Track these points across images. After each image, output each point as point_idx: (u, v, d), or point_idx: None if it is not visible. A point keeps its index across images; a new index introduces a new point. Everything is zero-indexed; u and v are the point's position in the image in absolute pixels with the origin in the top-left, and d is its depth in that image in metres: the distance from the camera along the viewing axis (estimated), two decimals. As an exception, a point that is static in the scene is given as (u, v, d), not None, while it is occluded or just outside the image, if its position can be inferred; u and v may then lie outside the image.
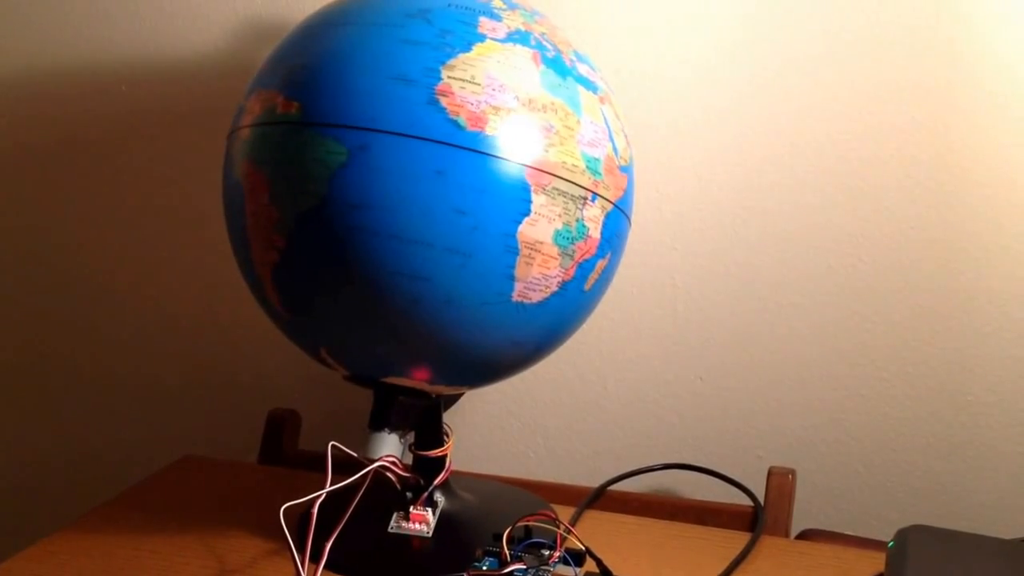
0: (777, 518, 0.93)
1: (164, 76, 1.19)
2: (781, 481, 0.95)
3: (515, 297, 0.74)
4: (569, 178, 0.74)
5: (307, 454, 1.08)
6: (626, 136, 0.82)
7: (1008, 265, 0.98)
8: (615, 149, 0.78)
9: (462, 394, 0.91)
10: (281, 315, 0.79)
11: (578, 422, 1.12)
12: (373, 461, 0.79)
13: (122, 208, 1.24)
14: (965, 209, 0.98)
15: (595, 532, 0.88)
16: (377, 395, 0.83)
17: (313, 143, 0.71)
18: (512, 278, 0.73)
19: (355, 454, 0.79)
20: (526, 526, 0.79)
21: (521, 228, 0.72)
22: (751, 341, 1.06)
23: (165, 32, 1.18)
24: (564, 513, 0.91)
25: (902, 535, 0.78)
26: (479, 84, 0.71)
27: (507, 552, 0.76)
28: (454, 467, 0.89)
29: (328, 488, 0.74)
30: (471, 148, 0.70)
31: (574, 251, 0.75)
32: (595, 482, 1.01)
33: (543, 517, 0.79)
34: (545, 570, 0.75)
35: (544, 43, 0.76)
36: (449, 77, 0.70)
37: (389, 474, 0.81)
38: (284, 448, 1.09)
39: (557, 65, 0.75)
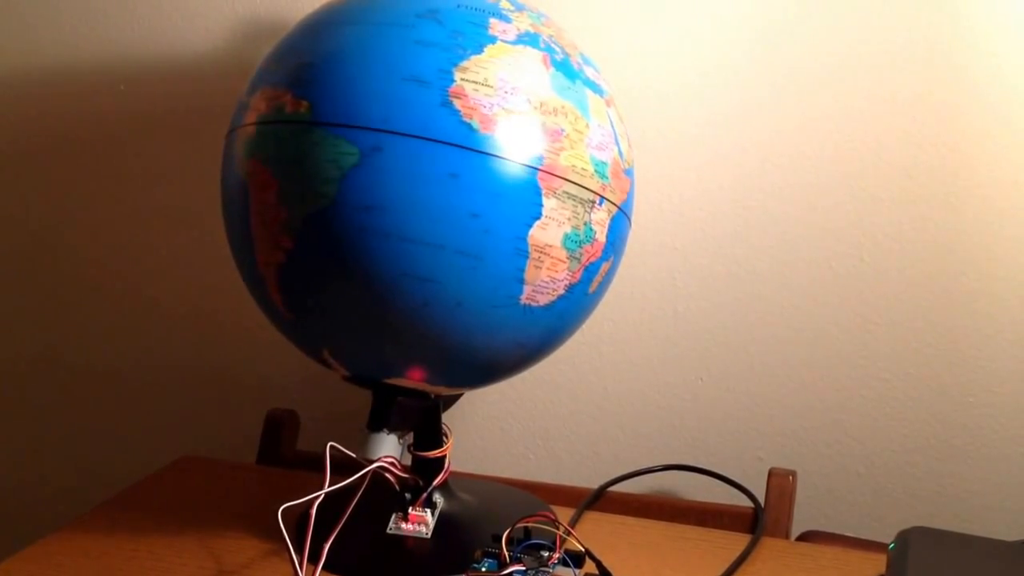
0: (778, 519, 0.93)
1: (163, 75, 1.19)
2: (782, 482, 0.95)
3: (523, 300, 0.74)
4: (579, 182, 0.74)
5: (305, 455, 1.08)
6: (628, 139, 0.82)
7: (1009, 267, 0.98)
8: (620, 153, 0.79)
9: (461, 395, 0.91)
10: (283, 315, 0.78)
11: (578, 423, 1.12)
12: (372, 462, 0.79)
13: (120, 207, 1.24)
14: (966, 211, 0.98)
15: (595, 533, 0.88)
16: (376, 396, 0.82)
17: (324, 143, 0.70)
18: (521, 281, 0.73)
19: (354, 455, 0.79)
20: (525, 527, 0.79)
21: (532, 231, 0.72)
22: (752, 342, 1.06)
23: (163, 31, 1.18)
24: (564, 514, 0.91)
25: (903, 537, 0.78)
26: (491, 87, 0.71)
27: (506, 553, 0.76)
28: (453, 468, 0.89)
29: (327, 489, 0.74)
30: (485, 151, 0.70)
31: (581, 254, 0.75)
32: (595, 483, 1.01)
33: (542, 518, 0.79)
34: (544, 571, 0.75)
35: (553, 46, 0.76)
36: (462, 79, 0.70)
37: (388, 475, 0.81)
38: (282, 449, 1.09)
39: (566, 68, 0.76)
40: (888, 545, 0.78)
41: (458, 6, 0.74)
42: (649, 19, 1.03)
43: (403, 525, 0.85)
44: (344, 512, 0.78)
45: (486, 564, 0.77)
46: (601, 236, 0.77)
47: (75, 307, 1.28)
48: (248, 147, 0.75)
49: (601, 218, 0.77)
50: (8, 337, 1.31)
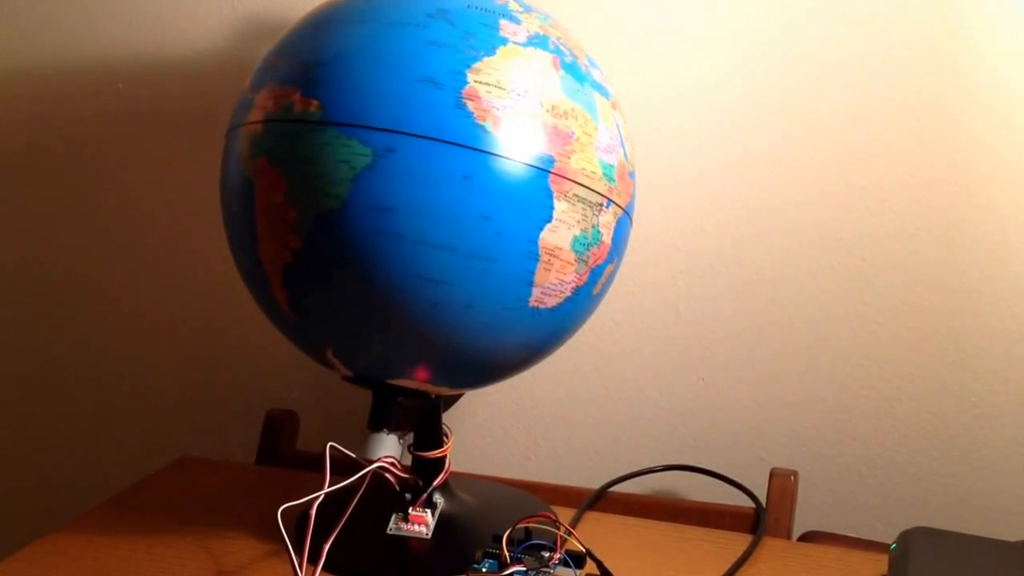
0: (779, 520, 0.93)
1: (162, 74, 1.19)
2: (783, 482, 0.95)
3: (531, 302, 0.74)
4: (588, 185, 0.74)
5: (305, 455, 1.08)
6: (631, 141, 0.82)
7: (1012, 265, 0.98)
8: (625, 155, 0.79)
9: (462, 395, 0.91)
10: (286, 315, 0.78)
11: (579, 423, 1.12)
12: (372, 462, 0.79)
13: (119, 206, 1.24)
14: (969, 209, 0.98)
15: (596, 534, 0.88)
16: (376, 396, 0.82)
17: (336, 143, 0.70)
18: (531, 284, 0.73)
19: (354, 455, 0.79)
20: (526, 528, 0.79)
21: (543, 234, 0.72)
22: (753, 341, 1.06)
23: (162, 30, 1.18)
24: (564, 515, 0.91)
25: (905, 537, 0.78)
26: (504, 89, 0.71)
27: (507, 554, 0.76)
28: (453, 468, 0.89)
29: (326, 489, 0.74)
30: (498, 153, 0.70)
31: (589, 256, 0.76)
32: (596, 483, 1.01)
33: (543, 519, 0.79)
34: (545, 572, 0.75)
35: (561, 48, 0.76)
36: (475, 81, 0.70)
37: (388, 475, 0.81)
38: (282, 449, 1.09)
39: (574, 71, 0.76)
40: (890, 546, 0.78)
41: (468, 6, 0.74)
42: (654, 19, 1.03)
43: (403, 525, 0.85)
44: (344, 512, 0.78)
45: (487, 565, 0.77)
46: (607, 238, 0.77)
47: (72, 308, 1.28)
48: (254, 145, 0.74)
49: (608, 220, 0.77)
50: (8, 336, 1.30)
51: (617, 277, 0.84)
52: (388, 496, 0.85)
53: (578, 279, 0.76)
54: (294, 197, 0.72)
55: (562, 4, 1.03)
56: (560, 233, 0.73)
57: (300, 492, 0.75)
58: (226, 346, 1.23)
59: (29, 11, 1.22)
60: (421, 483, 0.85)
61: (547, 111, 0.72)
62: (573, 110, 0.74)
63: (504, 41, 0.73)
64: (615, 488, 1.01)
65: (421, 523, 0.84)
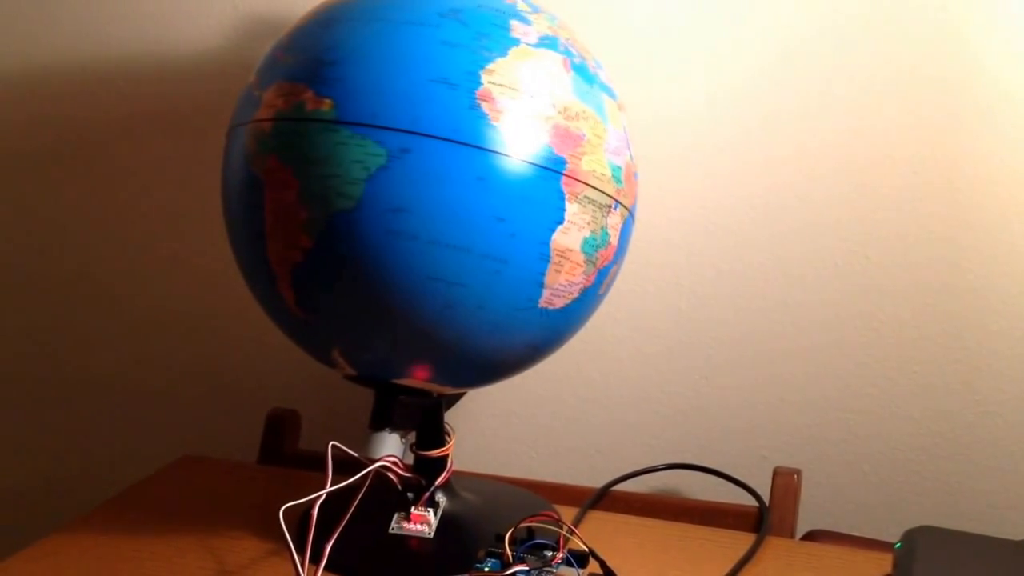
0: (782, 519, 0.93)
1: (163, 73, 1.19)
2: (786, 481, 0.95)
3: (541, 303, 0.74)
4: (598, 186, 0.74)
5: (307, 454, 1.08)
6: (633, 142, 0.82)
7: (1016, 263, 0.98)
8: (631, 156, 0.80)
9: (464, 393, 0.91)
10: (292, 314, 0.77)
11: (581, 422, 1.12)
12: (374, 461, 0.79)
13: (120, 206, 1.24)
14: (973, 207, 0.98)
15: (598, 533, 0.88)
16: (378, 395, 0.82)
17: (350, 143, 0.69)
18: (542, 285, 0.73)
19: (356, 454, 0.79)
20: (529, 527, 0.79)
21: (555, 236, 0.72)
22: (756, 340, 1.06)
23: (164, 28, 1.18)
24: (567, 514, 0.91)
25: (910, 536, 0.78)
26: (517, 90, 0.71)
27: (509, 553, 0.76)
28: (456, 467, 0.89)
29: (328, 488, 0.74)
30: (512, 155, 0.70)
31: (597, 258, 0.76)
32: (598, 482, 1.01)
33: (546, 518, 0.79)
34: (548, 571, 0.75)
35: (570, 49, 0.76)
36: (489, 82, 0.70)
37: (390, 474, 0.81)
38: (284, 448, 1.09)
39: (583, 72, 0.76)
40: (894, 544, 0.78)
41: (479, 6, 0.74)
42: (655, 11, 1.03)
43: (405, 525, 0.84)
44: (346, 512, 0.78)
45: (489, 564, 0.77)
46: (614, 240, 0.78)
47: (73, 307, 1.28)
48: (264, 144, 0.74)
49: (615, 222, 0.77)
50: (10, 337, 1.31)
51: (620, 276, 0.84)
52: (390, 495, 0.85)
53: (586, 280, 0.76)
54: (306, 196, 0.71)
55: (568, 6, 1.03)
56: (571, 235, 0.73)
57: (302, 491, 0.76)
58: (228, 345, 1.23)
59: (32, 12, 1.22)
60: (423, 482, 0.85)
61: (559, 113, 0.72)
62: (584, 112, 0.74)
63: (516, 42, 0.73)
64: (618, 487, 1.01)
65: (423, 522, 0.84)
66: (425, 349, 0.75)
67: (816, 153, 1.01)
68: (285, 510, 0.72)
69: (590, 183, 0.74)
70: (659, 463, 1.04)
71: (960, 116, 0.97)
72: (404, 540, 0.84)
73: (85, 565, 0.81)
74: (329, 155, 0.70)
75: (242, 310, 1.19)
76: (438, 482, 0.86)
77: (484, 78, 0.70)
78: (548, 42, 0.75)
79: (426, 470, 0.86)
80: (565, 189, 0.72)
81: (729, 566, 0.82)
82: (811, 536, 0.95)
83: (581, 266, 0.75)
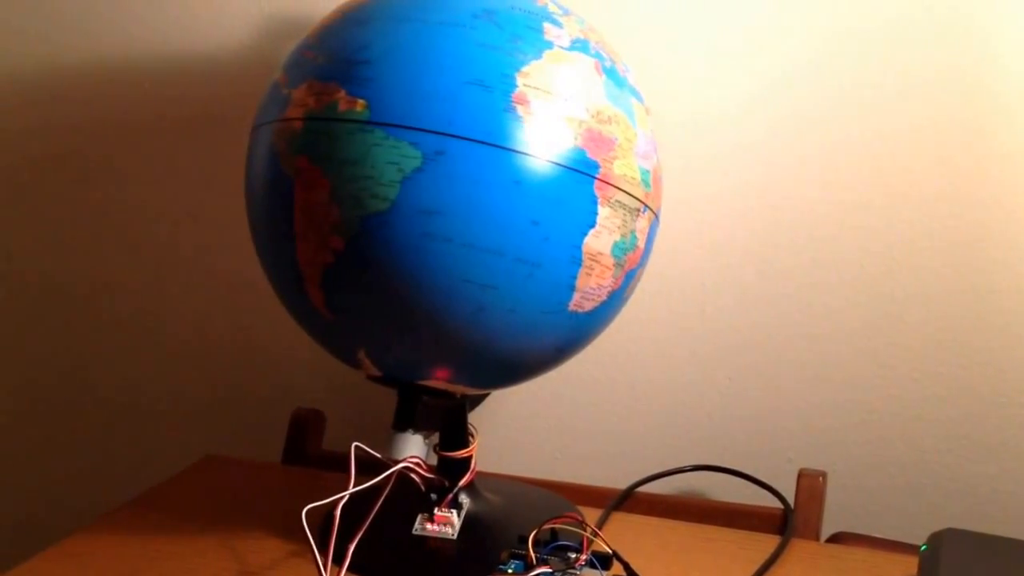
0: (807, 521, 0.93)
1: (190, 73, 1.20)
2: (811, 483, 0.94)
3: (571, 307, 0.75)
4: (628, 190, 0.75)
5: (331, 454, 1.08)
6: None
7: (1042, 265, 0.97)
8: (657, 160, 0.80)
9: (488, 394, 0.91)
10: (320, 315, 0.77)
11: (605, 423, 1.12)
12: (397, 462, 0.79)
13: (144, 208, 1.25)
14: (999, 209, 0.98)
15: (622, 535, 0.88)
16: (401, 395, 0.83)
17: (385, 145, 0.69)
18: (572, 288, 0.74)
19: (379, 455, 0.79)
20: (552, 528, 0.79)
21: (586, 239, 0.73)
22: (781, 342, 1.05)
23: (190, 29, 1.19)
24: (591, 515, 0.91)
25: (935, 538, 0.78)
26: (551, 93, 0.71)
27: (533, 555, 0.76)
28: (479, 468, 0.89)
29: (351, 489, 0.74)
30: (547, 159, 0.70)
31: (625, 262, 0.77)
32: (622, 484, 1.01)
33: (569, 519, 0.79)
34: (571, 573, 0.75)
35: (601, 52, 0.77)
36: (524, 85, 0.70)
37: (413, 475, 0.81)
38: (308, 448, 1.09)
39: (614, 76, 0.76)
40: (920, 547, 0.78)
41: (512, 8, 0.74)
42: (676, 9, 1.03)
43: (429, 526, 0.85)
44: (369, 513, 0.78)
45: (512, 565, 0.77)
46: (642, 243, 0.78)
47: (102, 308, 1.29)
48: (294, 143, 0.73)
49: (643, 226, 0.78)
50: (35, 339, 1.32)
51: (646, 278, 0.84)
52: (414, 496, 0.85)
53: (614, 283, 0.77)
54: (338, 197, 0.71)
55: (595, 7, 1.03)
56: (602, 238, 0.73)
57: (326, 492, 0.75)
58: (252, 345, 1.24)
59: (56, 14, 1.23)
60: (447, 483, 0.85)
61: (592, 117, 0.73)
62: (616, 116, 0.74)
63: (549, 45, 0.73)
64: (642, 488, 1.01)
65: (447, 523, 0.84)
66: (453, 351, 0.75)
67: (841, 156, 1.01)
68: (308, 511, 0.72)
69: (621, 187, 0.74)
70: (684, 465, 1.04)
71: (986, 119, 0.97)
72: (427, 541, 0.84)
73: (108, 564, 0.82)
74: (363, 156, 0.70)
75: (267, 310, 1.19)
76: (461, 483, 0.86)
77: (519, 81, 0.70)
78: (580, 45, 0.75)
79: (449, 471, 0.86)
80: (598, 193, 0.73)
81: (754, 568, 0.82)
82: (836, 538, 0.95)
83: (610, 269, 0.75)
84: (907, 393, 1.02)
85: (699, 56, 1.03)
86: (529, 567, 0.75)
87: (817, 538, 0.93)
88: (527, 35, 0.72)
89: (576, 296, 0.74)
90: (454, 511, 0.85)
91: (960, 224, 0.99)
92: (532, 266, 0.71)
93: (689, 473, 1.03)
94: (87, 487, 1.32)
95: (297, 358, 1.21)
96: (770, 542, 0.88)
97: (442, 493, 0.85)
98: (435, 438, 0.87)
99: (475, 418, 0.89)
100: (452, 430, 0.87)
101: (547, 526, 0.79)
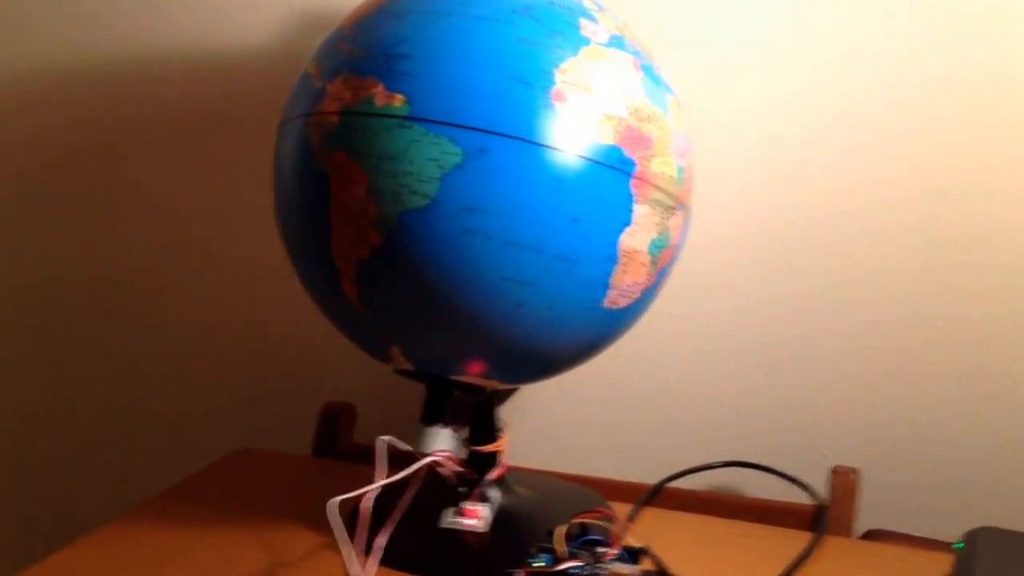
0: (841, 517, 0.93)
1: (219, 67, 1.20)
2: (845, 480, 0.94)
3: (605, 304, 0.75)
4: (664, 188, 0.75)
5: (362, 447, 1.08)
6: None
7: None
8: (690, 158, 0.80)
9: (517, 388, 0.91)
10: (353, 310, 0.77)
11: (636, 417, 1.12)
12: (427, 455, 0.80)
13: (172, 200, 1.26)
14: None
15: (653, 530, 0.88)
16: (431, 390, 0.83)
17: (425, 141, 0.69)
18: (607, 286, 0.74)
19: (408, 448, 0.79)
20: (582, 523, 0.79)
21: (622, 237, 0.73)
22: (817, 338, 1.05)
23: (220, 22, 1.19)
24: (621, 510, 0.91)
25: (971, 536, 0.77)
26: (590, 90, 0.71)
27: (562, 549, 0.76)
28: (509, 462, 0.89)
29: (381, 482, 0.75)
30: (587, 156, 0.71)
31: (659, 259, 0.77)
32: (653, 479, 1.01)
33: (599, 514, 0.79)
34: (601, 568, 0.75)
35: (637, 48, 0.77)
36: (563, 82, 0.70)
37: (443, 469, 0.82)
38: (339, 441, 1.09)
39: (650, 72, 0.77)
40: (955, 545, 0.78)
41: (550, 3, 0.74)
42: (725, 19, 1.03)
43: (458, 520, 0.85)
44: (398, 506, 0.79)
45: (542, 559, 0.76)
46: (675, 240, 0.79)
47: (133, 301, 1.30)
48: (329, 138, 0.73)
49: (677, 223, 0.78)
50: (68, 332, 1.33)
51: (680, 273, 0.84)
52: (443, 490, 0.86)
53: (647, 281, 0.77)
54: (376, 193, 0.71)
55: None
56: (638, 236, 0.74)
57: (356, 485, 0.76)
58: (283, 339, 1.24)
59: (81, 10, 1.24)
60: (476, 477, 0.86)
61: (631, 114, 0.73)
62: (653, 113, 0.74)
63: (587, 41, 0.73)
64: (673, 484, 1.00)
65: (476, 517, 0.85)
66: (488, 347, 0.75)
67: (880, 152, 1.00)
68: (338, 503, 0.73)
69: (658, 185, 0.74)
70: (715, 460, 1.04)
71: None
72: (456, 535, 0.84)
73: (140, 554, 0.82)
74: (402, 152, 0.70)
75: (298, 304, 1.20)
76: (491, 477, 0.87)
77: (558, 77, 0.70)
78: (616, 41, 0.75)
79: (479, 465, 0.87)
80: (634, 191, 0.73)
81: (786, 565, 0.82)
82: (870, 535, 0.94)
83: (645, 267, 0.76)
84: (945, 390, 1.02)
85: (733, 47, 1.03)
86: (558, 561, 0.75)
87: (850, 535, 0.93)
88: (565, 31, 0.72)
89: (611, 293, 0.75)
90: (483, 505, 0.85)
91: (1002, 220, 0.98)
92: (571, 263, 0.71)
93: (721, 469, 1.03)
94: (120, 479, 1.33)
95: (328, 352, 1.21)
96: (803, 539, 0.87)
97: (471, 487, 0.86)
98: (464, 432, 0.87)
99: (505, 412, 0.89)
100: (481, 424, 0.87)
101: (577, 520, 0.79)
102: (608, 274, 0.74)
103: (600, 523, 0.79)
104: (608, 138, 0.71)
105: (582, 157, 0.70)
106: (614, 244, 0.73)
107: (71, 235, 1.31)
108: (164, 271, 1.28)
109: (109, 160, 1.28)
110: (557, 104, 0.70)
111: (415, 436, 0.82)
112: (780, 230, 1.05)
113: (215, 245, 1.26)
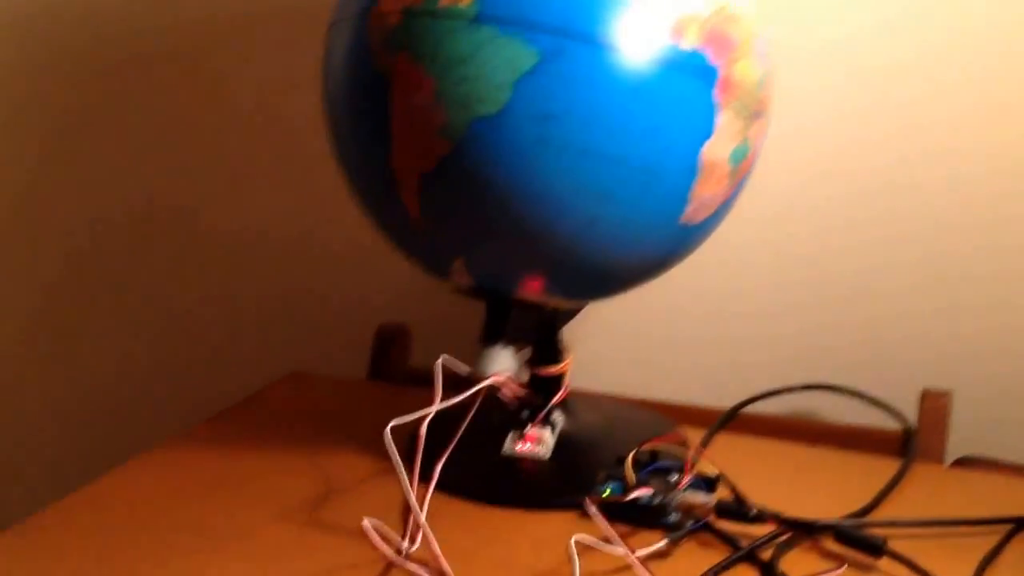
0: (930, 444, 0.90)
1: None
2: (936, 404, 0.92)
3: (682, 219, 0.73)
4: (746, 95, 0.72)
5: (418, 370, 1.07)
6: None
7: None
8: (770, 62, 0.77)
9: (582, 308, 0.89)
10: (412, 224, 0.75)
11: (709, 337, 1.10)
12: (486, 378, 0.78)
13: (211, 118, 1.26)
14: None
15: (728, 457, 0.85)
16: (490, 307, 0.81)
17: (495, 43, 0.67)
18: (686, 200, 0.72)
19: (467, 370, 0.78)
20: (652, 449, 0.78)
21: (704, 148, 0.71)
22: (905, 256, 1.02)
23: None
24: (693, 436, 0.89)
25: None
26: None
27: (632, 476, 0.75)
28: (573, 385, 0.88)
29: (437, 406, 0.73)
30: (670, 61, 0.68)
31: (739, 170, 0.75)
32: (728, 403, 0.98)
33: (671, 439, 0.79)
34: (674, 495, 0.73)
35: None
36: None
37: (504, 392, 0.80)
38: (394, 364, 1.09)
39: None
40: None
41: None
42: None
43: (520, 445, 0.83)
44: (457, 431, 0.77)
45: (610, 487, 0.75)
46: (755, 150, 0.76)
47: (182, 229, 1.30)
48: (390, 40, 0.71)
49: (756, 131, 0.75)
50: (121, 260, 1.33)
51: (760, 180, 0.82)
52: (504, 414, 0.84)
53: (726, 193, 0.75)
54: (444, 99, 0.69)
55: None
56: (719, 146, 0.71)
57: (412, 409, 0.74)
58: (336, 259, 1.24)
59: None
60: (539, 401, 0.84)
61: (715, 13, 0.70)
62: (735, 15, 0.71)
63: None
64: (749, 408, 0.98)
65: (539, 443, 0.83)
66: (555, 263, 0.74)
67: (972, 91, 0.97)
68: (392, 428, 0.71)
69: (740, 92, 0.71)
70: (794, 383, 1.00)
71: None
72: (518, 461, 0.83)
73: (191, 478, 0.82)
74: (471, 55, 0.67)
75: (351, 223, 1.18)
76: (554, 401, 0.85)
77: None
78: None
79: (542, 388, 0.85)
80: (718, 98, 0.70)
81: (872, 494, 0.79)
82: (962, 463, 0.92)
83: (725, 179, 0.74)
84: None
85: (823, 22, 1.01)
86: (628, 489, 0.74)
87: (941, 462, 0.91)
88: None
89: (689, 208, 0.73)
90: (547, 430, 0.84)
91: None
92: (650, 175, 0.69)
93: (800, 392, 1.00)
94: (172, 402, 1.34)
95: (382, 272, 1.21)
96: (889, 467, 0.85)
97: (534, 411, 0.85)
98: (526, 353, 0.85)
99: (570, 332, 0.87)
100: (544, 345, 0.85)
101: (647, 446, 0.78)
102: (688, 187, 0.72)
103: (672, 449, 0.78)
104: (692, 40, 0.69)
105: (664, 62, 0.68)
106: (695, 154, 0.70)
107: (115, 162, 1.30)
108: (212, 192, 1.28)
109: (141, 77, 1.26)
110: (640, 6, 0.67)
111: (473, 358, 0.80)
112: (869, 143, 1.02)
113: (260, 163, 1.25)
